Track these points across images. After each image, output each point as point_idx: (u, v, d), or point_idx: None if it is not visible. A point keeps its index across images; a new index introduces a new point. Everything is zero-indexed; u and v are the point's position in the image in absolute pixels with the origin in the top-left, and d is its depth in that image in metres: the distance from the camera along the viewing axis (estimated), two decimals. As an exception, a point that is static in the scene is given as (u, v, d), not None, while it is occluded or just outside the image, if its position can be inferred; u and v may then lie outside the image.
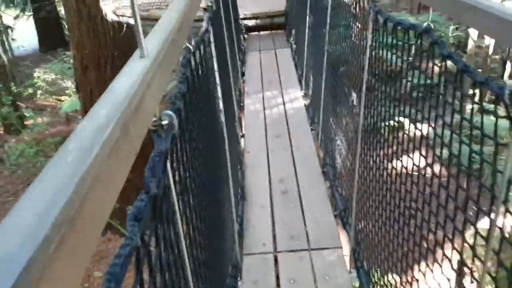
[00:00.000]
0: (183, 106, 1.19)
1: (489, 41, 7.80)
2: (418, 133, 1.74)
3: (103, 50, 9.62)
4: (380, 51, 2.30)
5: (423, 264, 1.71)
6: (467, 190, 1.33)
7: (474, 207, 1.27)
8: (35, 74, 13.84)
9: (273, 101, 4.66)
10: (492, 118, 1.17)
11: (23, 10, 17.65)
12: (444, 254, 1.50)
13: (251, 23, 6.81)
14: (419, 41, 1.77)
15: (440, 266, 1.54)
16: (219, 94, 2.43)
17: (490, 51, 8.02)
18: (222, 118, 2.51)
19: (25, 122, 13.32)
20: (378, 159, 2.28)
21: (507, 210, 1.10)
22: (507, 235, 1.18)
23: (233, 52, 4.49)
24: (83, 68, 9.84)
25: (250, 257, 2.76)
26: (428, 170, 1.67)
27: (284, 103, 4.62)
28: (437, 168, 1.64)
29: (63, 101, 13.90)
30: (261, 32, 6.98)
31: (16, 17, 17.36)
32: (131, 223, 0.63)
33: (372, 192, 2.40)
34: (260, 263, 2.72)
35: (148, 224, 0.72)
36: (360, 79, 2.59)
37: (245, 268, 2.68)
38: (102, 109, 0.67)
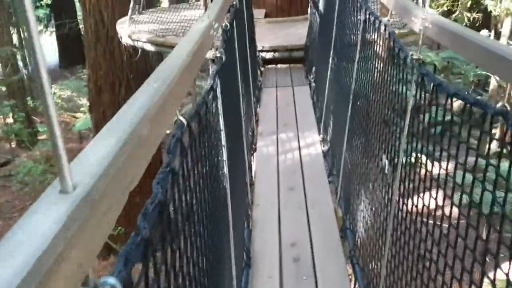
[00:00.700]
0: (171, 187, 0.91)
1: None
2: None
3: (119, 72, 9.35)
4: (426, 117, 1.84)
5: None
6: None
7: None
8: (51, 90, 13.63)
9: (288, 145, 4.20)
10: None
11: (46, 26, 17.65)
12: None
13: (268, 55, 6.41)
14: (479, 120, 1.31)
15: None
16: (225, 156, 1.99)
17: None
18: (226, 179, 2.06)
19: (39, 137, 13.10)
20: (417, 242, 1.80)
21: None
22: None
23: (248, 92, 4.06)
24: (97, 89, 9.58)
25: None
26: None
27: (299, 148, 4.15)
28: None
29: (77, 118, 13.68)
30: (279, 65, 6.57)
31: (39, 33, 17.30)
32: None
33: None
34: None
35: None
36: (395, 145, 2.12)
37: None
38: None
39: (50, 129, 0.51)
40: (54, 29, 16.98)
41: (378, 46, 2.53)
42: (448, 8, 8.28)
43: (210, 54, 1.82)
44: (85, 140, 12.71)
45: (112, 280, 0.54)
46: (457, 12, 8.40)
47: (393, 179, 2.07)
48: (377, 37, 2.54)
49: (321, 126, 4.40)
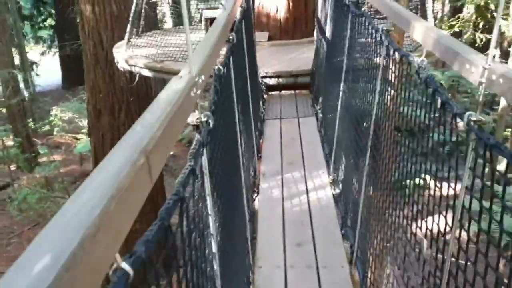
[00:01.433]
0: None
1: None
2: None
3: (118, 95, 8.94)
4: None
5: None
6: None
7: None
8: (52, 112, 13.23)
9: (294, 188, 3.65)
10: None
11: (49, 47, 17.32)
12: None
13: (272, 81, 5.89)
14: None
15: None
16: (212, 231, 1.46)
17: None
18: (215, 267, 1.53)
19: (39, 159, 12.63)
20: None
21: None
22: None
23: (249, 128, 3.54)
24: (96, 112, 9.16)
25: None
26: None
27: (307, 191, 3.60)
28: None
29: (79, 139, 13.26)
30: (283, 92, 6.06)
31: (42, 53, 17.00)
32: None
33: None
34: None
35: None
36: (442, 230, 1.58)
37: None
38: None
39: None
40: (58, 50, 16.62)
41: (407, 89, 2.01)
42: (460, 29, 7.79)
43: (192, 119, 1.30)
44: (86, 162, 12.24)
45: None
46: (468, 33, 7.90)
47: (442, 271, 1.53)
48: (406, 79, 2.02)
49: (330, 165, 3.86)
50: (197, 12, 10.08)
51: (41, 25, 17.30)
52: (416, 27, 2.08)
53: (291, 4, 7.53)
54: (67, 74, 16.64)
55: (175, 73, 1.30)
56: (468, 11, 9.01)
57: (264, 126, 4.71)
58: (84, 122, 13.26)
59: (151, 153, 0.79)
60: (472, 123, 1.31)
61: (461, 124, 1.40)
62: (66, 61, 16.43)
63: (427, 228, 1.71)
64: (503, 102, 8.50)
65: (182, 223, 0.97)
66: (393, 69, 2.27)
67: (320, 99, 4.71)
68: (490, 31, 8.43)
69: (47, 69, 16.90)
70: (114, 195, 0.61)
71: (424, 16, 5.89)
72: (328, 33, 4.56)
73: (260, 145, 4.30)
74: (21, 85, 13.62)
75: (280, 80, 5.91)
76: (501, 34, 7.92)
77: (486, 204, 1.25)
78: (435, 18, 7.25)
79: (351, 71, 3.41)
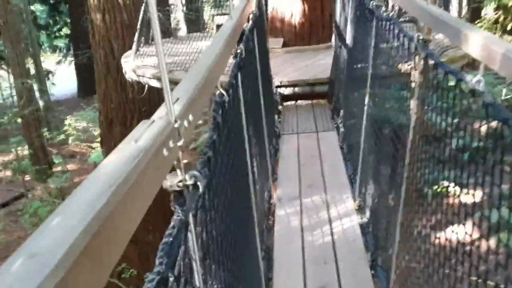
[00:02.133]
0: None
1: None
2: None
3: (130, 105, 8.61)
4: None
5: None
6: None
7: None
8: (66, 122, 12.99)
9: (315, 216, 3.16)
10: None
11: (65, 56, 17.14)
12: None
13: (287, 91, 5.41)
14: None
15: None
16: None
17: None
18: None
19: (54, 169, 12.37)
20: None
21: None
22: None
23: (262, 147, 3.08)
24: (108, 122, 8.85)
25: None
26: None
27: (330, 221, 3.11)
28: None
29: (94, 148, 12.99)
30: (299, 102, 5.57)
31: (58, 62, 16.82)
32: None
33: None
34: None
35: None
36: None
37: None
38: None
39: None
40: (73, 59, 16.42)
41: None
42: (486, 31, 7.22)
43: (173, 181, 0.84)
44: (101, 171, 11.93)
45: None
46: (496, 36, 7.32)
47: None
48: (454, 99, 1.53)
49: (355, 188, 3.36)
50: (210, 19, 9.68)
51: (57, 34, 17.14)
52: (469, 38, 1.55)
53: (306, 7, 7.03)
54: (83, 82, 16.45)
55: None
56: (486, 12, 8.36)
57: (280, 142, 4.23)
58: (98, 131, 13.00)
59: None
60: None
61: None
62: (80, 70, 16.23)
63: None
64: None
65: None
66: (434, 84, 1.79)
67: (342, 112, 4.21)
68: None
69: (64, 78, 16.73)
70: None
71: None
72: (348, 40, 4.06)
73: (275, 164, 3.82)
74: (37, 94, 13.40)
75: (296, 89, 5.42)
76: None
77: None
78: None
79: (377, 84, 2.92)
